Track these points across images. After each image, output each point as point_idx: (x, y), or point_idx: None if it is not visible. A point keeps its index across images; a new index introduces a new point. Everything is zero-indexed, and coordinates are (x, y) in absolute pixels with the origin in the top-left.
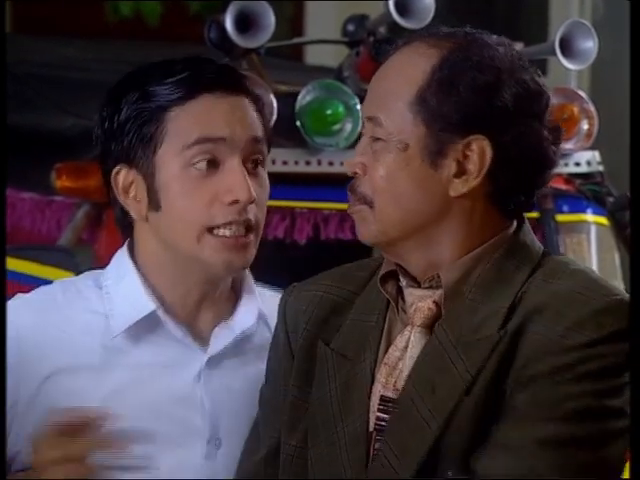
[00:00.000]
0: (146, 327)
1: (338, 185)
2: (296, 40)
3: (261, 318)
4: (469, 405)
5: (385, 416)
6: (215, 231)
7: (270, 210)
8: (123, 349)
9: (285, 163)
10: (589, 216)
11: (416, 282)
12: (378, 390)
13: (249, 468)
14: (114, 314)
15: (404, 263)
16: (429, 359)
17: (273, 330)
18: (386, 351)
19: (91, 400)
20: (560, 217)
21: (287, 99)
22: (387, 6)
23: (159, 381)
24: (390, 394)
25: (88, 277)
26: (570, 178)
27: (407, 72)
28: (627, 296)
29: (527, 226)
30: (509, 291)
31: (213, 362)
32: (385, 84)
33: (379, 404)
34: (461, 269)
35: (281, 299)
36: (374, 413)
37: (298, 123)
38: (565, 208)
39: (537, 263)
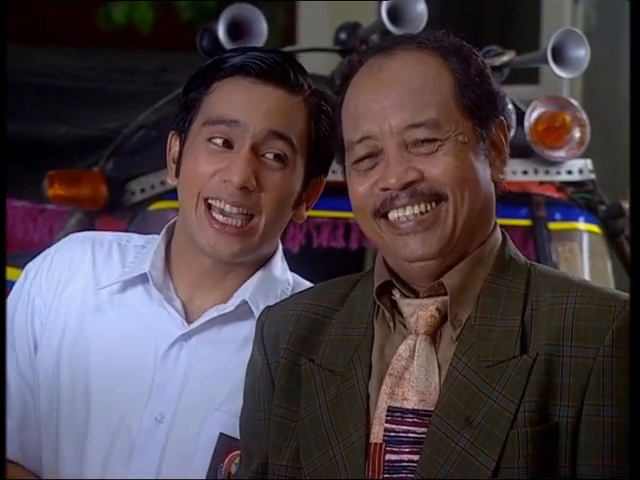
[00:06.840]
0: (136, 286)
1: (330, 193)
2: (288, 48)
3: (242, 306)
4: (520, 434)
5: (395, 427)
6: (211, 204)
7: None
8: (112, 302)
9: None
10: (581, 224)
11: (413, 293)
12: (385, 401)
13: None
14: (125, 271)
15: (423, 276)
16: (453, 390)
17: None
18: (385, 364)
19: (84, 336)
20: (552, 225)
21: None
22: (379, 14)
23: (132, 337)
24: (398, 404)
25: (146, 238)
26: (562, 186)
27: (434, 75)
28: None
29: (510, 240)
30: (513, 309)
31: (185, 339)
32: (417, 90)
33: (387, 415)
34: (462, 273)
35: (257, 322)
36: (382, 425)
37: None
38: (557, 216)
39: (528, 275)
